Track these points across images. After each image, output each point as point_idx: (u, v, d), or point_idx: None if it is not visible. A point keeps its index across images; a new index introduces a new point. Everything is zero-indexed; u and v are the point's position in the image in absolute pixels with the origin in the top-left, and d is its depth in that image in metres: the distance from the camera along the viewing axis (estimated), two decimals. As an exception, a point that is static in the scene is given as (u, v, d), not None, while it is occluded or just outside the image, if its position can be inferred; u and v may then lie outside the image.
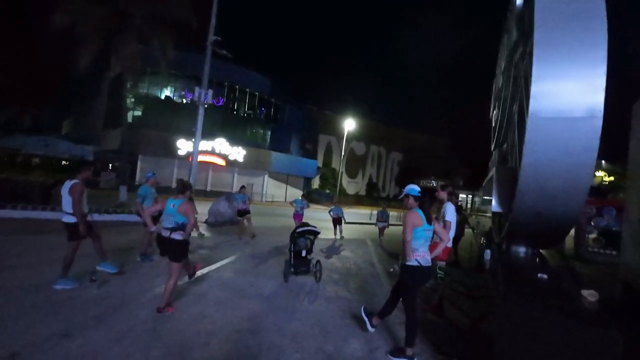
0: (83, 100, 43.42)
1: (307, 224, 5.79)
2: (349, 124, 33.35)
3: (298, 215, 10.53)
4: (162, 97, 29.62)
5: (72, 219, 4.24)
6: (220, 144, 28.06)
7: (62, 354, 2.68)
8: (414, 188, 3.33)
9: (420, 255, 3.09)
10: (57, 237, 6.88)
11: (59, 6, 11.72)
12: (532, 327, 2.57)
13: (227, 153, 28.23)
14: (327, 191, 40.47)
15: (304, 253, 5.46)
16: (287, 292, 4.86)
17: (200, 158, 27.51)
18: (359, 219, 19.57)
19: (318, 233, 5.47)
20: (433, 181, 49.08)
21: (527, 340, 2.57)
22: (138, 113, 27.77)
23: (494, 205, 4.26)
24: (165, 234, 3.64)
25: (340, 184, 39.36)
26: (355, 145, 46.34)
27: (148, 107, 28.65)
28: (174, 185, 7.65)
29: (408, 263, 3.06)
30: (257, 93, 34.21)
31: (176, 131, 27.60)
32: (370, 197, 45.78)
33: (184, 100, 30.92)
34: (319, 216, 18.58)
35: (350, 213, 20.26)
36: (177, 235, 3.64)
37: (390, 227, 11.62)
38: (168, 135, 26.56)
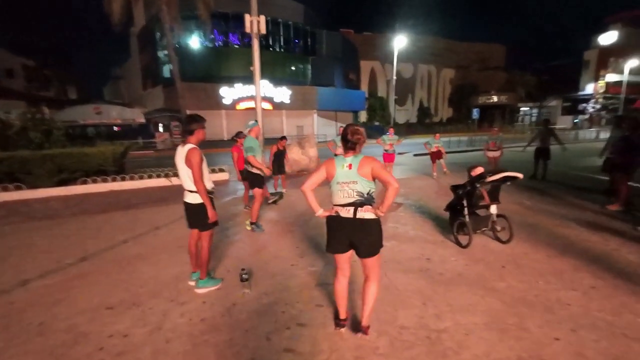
0: (116, 63, 42.76)
1: (480, 170, 4.15)
2: (399, 42, 28.97)
3: (389, 155, 8.89)
4: (195, 44, 27.47)
5: (197, 199, 3.01)
6: (264, 87, 26.15)
7: None
8: None
9: None
10: (147, 211, 6.06)
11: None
12: None
13: (271, 95, 26.41)
14: (377, 123, 37.80)
15: (493, 209, 3.94)
16: (486, 266, 3.46)
17: (246, 105, 26.26)
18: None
19: (514, 178, 3.82)
20: (494, 96, 43.79)
21: None
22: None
23: None
24: (346, 213, 2.16)
25: (389, 113, 36.32)
26: (401, 67, 41.58)
27: (183, 58, 26.88)
28: (226, 137, 5.94)
29: None
30: (290, 23, 30.57)
31: (217, 79, 26.04)
32: (423, 124, 42.35)
33: (217, 44, 28.63)
34: (375, 151, 16.87)
35: (409, 144, 18.10)
36: (369, 214, 2.16)
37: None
38: (209, 85, 25.12)
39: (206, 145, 13.87)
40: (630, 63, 37.22)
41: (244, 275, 2.99)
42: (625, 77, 37.51)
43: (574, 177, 8.69)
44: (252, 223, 4.94)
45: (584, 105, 43.05)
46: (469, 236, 3.86)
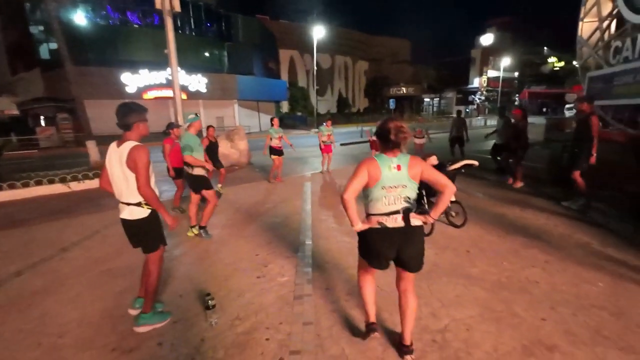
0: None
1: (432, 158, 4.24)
2: (317, 32, 29.10)
3: (327, 147, 8.85)
4: (81, 21, 23.02)
5: (139, 213, 2.32)
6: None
7: None
8: None
9: None
10: (44, 228, 4.72)
11: None
12: None
13: (185, 84, 23.90)
14: (299, 113, 37.79)
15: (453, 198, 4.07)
16: (454, 253, 3.54)
17: (155, 94, 23.30)
18: (351, 138, 18.10)
19: (470, 166, 3.98)
20: (403, 88, 47.83)
21: None
22: (56, 46, 21.63)
23: None
24: (394, 223, 1.85)
25: (311, 104, 36.66)
26: (320, 57, 42.04)
27: (68, 37, 22.33)
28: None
29: None
30: (200, 3, 27.95)
31: (115, 64, 22.49)
32: (342, 114, 43.85)
33: (111, 22, 24.57)
34: (305, 142, 16.94)
35: (339, 133, 18.72)
36: (418, 220, 1.90)
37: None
38: (107, 70, 21.50)
39: (111, 140, 11.78)
40: (504, 62, 44.71)
41: (210, 302, 2.45)
42: (500, 73, 44.90)
43: (478, 159, 9.86)
44: (201, 227, 4.29)
45: (473, 96, 50.35)
46: (431, 224, 3.93)
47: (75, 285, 3.21)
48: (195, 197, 4.38)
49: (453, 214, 4.23)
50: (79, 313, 2.72)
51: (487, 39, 52.01)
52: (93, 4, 23.57)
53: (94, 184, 7.91)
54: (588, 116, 4.39)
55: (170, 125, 5.27)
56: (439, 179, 1.86)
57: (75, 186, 7.62)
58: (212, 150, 6.76)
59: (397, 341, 2.14)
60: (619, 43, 6.59)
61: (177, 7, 8.94)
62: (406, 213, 1.86)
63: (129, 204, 2.30)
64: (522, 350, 2.08)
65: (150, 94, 23.00)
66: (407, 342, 2.05)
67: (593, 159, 4.44)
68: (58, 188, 7.41)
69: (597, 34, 7.65)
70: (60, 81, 17.73)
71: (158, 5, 8.60)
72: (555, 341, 2.15)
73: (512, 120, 6.65)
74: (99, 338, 2.38)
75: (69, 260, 3.82)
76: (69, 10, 22.35)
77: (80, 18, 23.12)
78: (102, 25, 24.10)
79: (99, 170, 8.29)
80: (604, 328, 2.26)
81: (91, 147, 9.83)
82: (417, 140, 9.86)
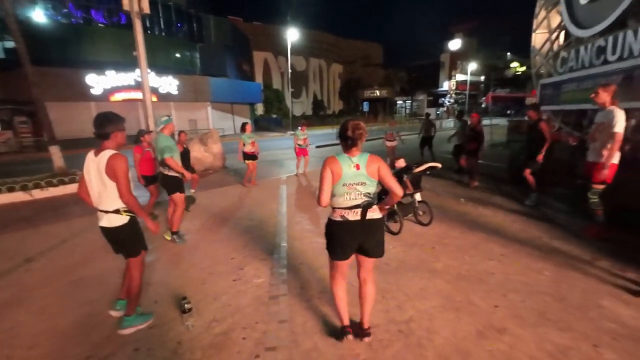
0: None
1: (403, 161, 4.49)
2: (291, 34, 29.18)
3: (302, 150, 9.01)
4: (40, 18, 21.79)
5: (118, 220, 2.36)
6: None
7: None
8: None
9: None
10: (5, 239, 4.41)
11: None
12: None
13: (155, 85, 23.17)
14: (274, 116, 37.63)
15: (418, 196, 4.31)
16: (420, 249, 3.78)
17: (122, 96, 22.46)
18: (326, 140, 18.32)
19: (434, 167, 4.24)
20: (377, 91, 48.87)
21: None
22: (12, 44, 20.31)
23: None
24: (354, 216, 2.04)
25: (286, 106, 36.64)
26: (294, 60, 42.19)
27: (30, 35, 21.04)
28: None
29: None
30: (170, 3, 27.24)
31: (79, 65, 21.48)
32: (318, 116, 44.16)
33: (74, 21, 23.43)
34: (281, 144, 17.03)
35: (315, 135, 18.95)
36: (376, 213, 2.11)
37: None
38: (70, 70, 20.46)
39: (75, 144, 11.31)
40: (471, 66, 46.77)
41: (186, 306, 2.51)
42: (468, 77, 46.91)
43: (444, 160, 10.36)
44: (173, 233, 4.28)
45: (443, 99, 52.31)
46: (399, 223, 4.16)
47: (44, 296, 3.14)
48: (179, 199, 4.27)
49: (420, 212, 4.49)
50: (50, 324, 2.68)
51: (455, 44, 54.20)
52: (53, 1, 22.40)
53: (58, 191, 7.58)
54: (536, 122, 4.82)
55: (141, 132, 5.17)
56: (390, 183, 2.10)
57: (38, 194, 7.27)
58: (184, 157, 6.71)
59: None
60: (565, 54, 7.22)
61: (146, 9, 8.73)
62: (365, 208, 2.06)
63: (107, 212, 2.33)
64: (476, 334, 2.31)
65: (117, 96, 22.14)
66: (366, 325, 2.29)
67: (540, 157, 4.86)
68: (19, 196, 7.04)
69: (548, 44, 8.33)
70: (17, 82, 16.68)
71: (126, 7, 8.34)
72: (505, 324, 2.40)
73: (469, 122, 7.15)
74: (72, 347, 2.37)
75: (35, 271, 3.70)
76: (26, 7, 21.10)
77: (39, 15, 21.88)
78: (64, 23, 22.96)
79: (63, 177, 7.95)
80: (548, 311, 2.55)
81: (55, 152, 9.34)
82: (389, 143, 10.19)
